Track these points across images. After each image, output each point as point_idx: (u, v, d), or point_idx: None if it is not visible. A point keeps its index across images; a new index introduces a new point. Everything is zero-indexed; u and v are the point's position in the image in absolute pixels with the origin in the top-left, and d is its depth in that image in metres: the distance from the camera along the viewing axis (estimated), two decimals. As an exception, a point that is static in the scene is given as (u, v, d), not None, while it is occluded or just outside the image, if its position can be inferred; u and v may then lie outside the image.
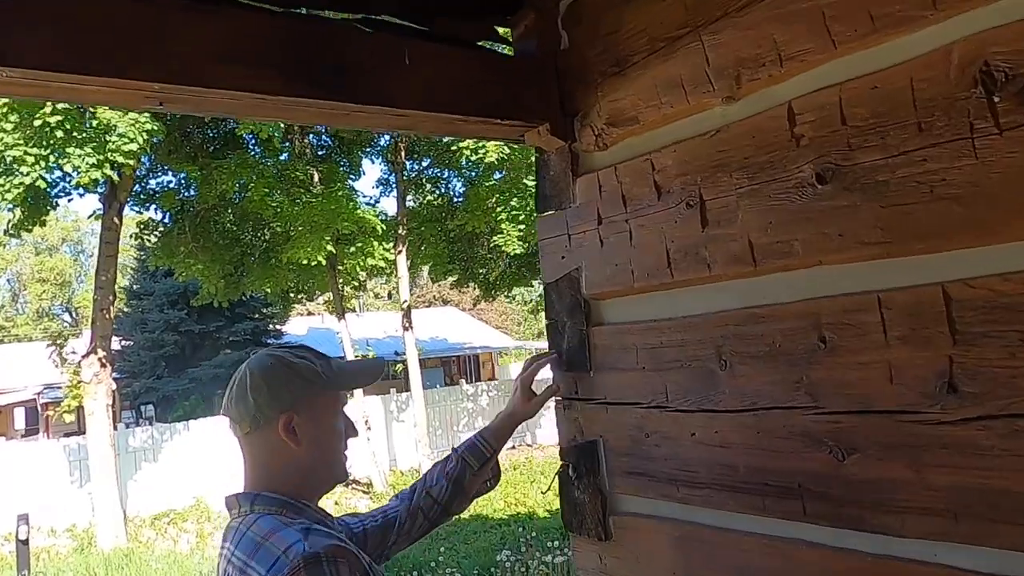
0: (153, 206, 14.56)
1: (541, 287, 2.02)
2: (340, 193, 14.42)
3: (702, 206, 1.52)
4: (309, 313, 32.11)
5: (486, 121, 1.72)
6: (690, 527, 1.59)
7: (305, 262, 14.07)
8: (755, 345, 1.44)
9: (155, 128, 10.25)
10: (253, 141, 14.65)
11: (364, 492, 14.55)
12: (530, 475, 14.50)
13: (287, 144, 15.22)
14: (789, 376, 1.39)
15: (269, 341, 24.66)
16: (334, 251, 14.47)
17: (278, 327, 25.15)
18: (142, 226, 15.39)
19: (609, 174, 1.74)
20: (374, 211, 15.67)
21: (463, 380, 25.88)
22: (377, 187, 18.42)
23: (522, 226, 13.86)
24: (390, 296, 44.77)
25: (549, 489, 2.00)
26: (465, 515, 11.56)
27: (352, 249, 15.05)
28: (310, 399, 1.27)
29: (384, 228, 15.29)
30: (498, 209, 14.36)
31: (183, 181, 14.63)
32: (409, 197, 17.04)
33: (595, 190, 1.77)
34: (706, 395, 1.54)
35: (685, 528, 1.61)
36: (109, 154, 9.65)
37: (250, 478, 1.27)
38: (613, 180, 1.73)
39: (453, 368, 28.44)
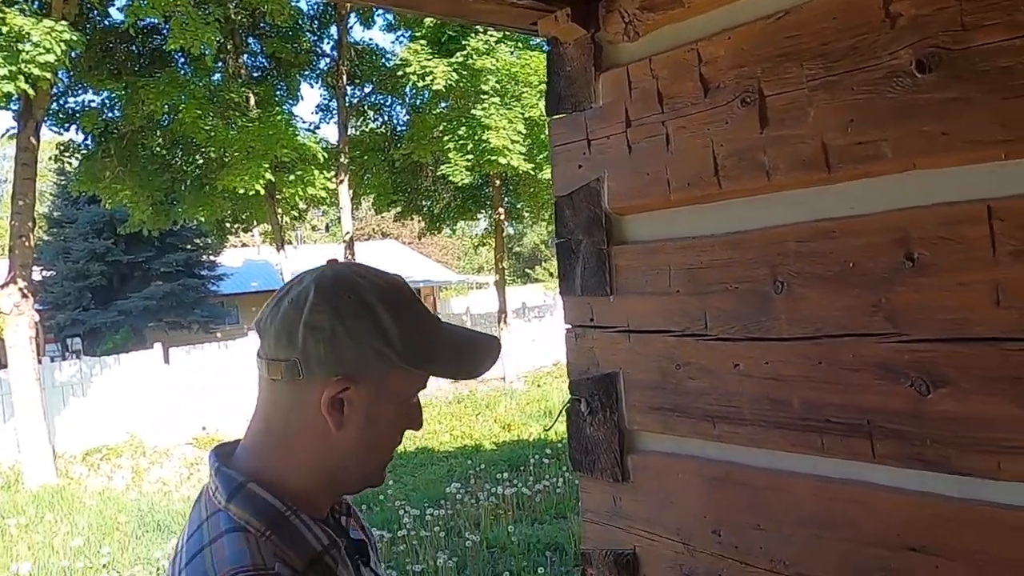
0: (74, 127, 13.57)
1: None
2: (278, 118, 13.74)
3: (761, 103, 1.31)
4: (244, 245, 31.09)
5: (499, 0, 1.46)
6: (728, 467, 1.43)
7: (242, 191, 13.44)
8: (822, 264, 1.26)
9: (74, 39, 9.40)
10: (183, 59, 13.73)
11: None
12: (475, 408, 14.50)
13: (220, 63, 14.32)
14: (864, 299, 1.21)
15: (203, 273, 23.79)
16: (272, 179, 13.84)
17: (212, 258, 24.24)
18: (62, 148, 14.38)
19: (642, 68, 1.50)
20: (314, 138, 15.02)
21: (405, 314, 25.49)
22: (317, 113, 17.68)
23: (470, 156, 13.48)
24: (327, 228, 43.77)
25: (552, 427, 1.82)
26: (411, 448, 11.48)
27: (291, 177, 14.46)
28: (383, 373, 0.87)
29: (325, 156, 14.70)
30: (445, 138, 13.91)
31: (106, 101, 13.66)
32: (351, 124, 16.37)
33: (623, 87, 1.54)
34: (755, 322, 1.36)
35: (722, 468, 1.44)
36: (23, 65, 8.81)
37: (249, 445, 0.90)
38: (647, 75, 1.49)
39: (395, 302, 28.03)
